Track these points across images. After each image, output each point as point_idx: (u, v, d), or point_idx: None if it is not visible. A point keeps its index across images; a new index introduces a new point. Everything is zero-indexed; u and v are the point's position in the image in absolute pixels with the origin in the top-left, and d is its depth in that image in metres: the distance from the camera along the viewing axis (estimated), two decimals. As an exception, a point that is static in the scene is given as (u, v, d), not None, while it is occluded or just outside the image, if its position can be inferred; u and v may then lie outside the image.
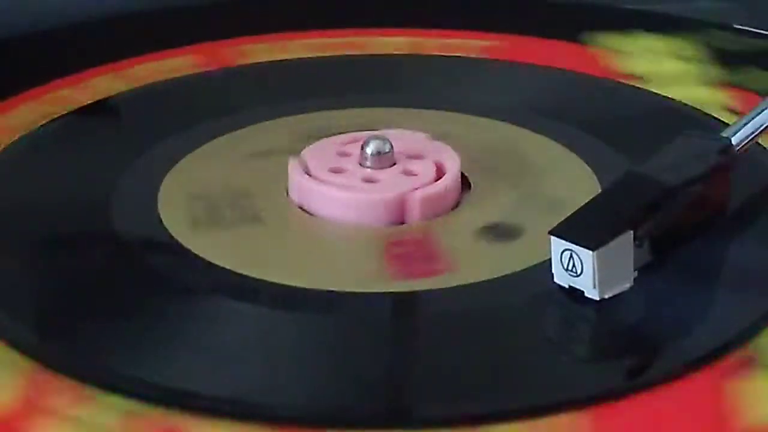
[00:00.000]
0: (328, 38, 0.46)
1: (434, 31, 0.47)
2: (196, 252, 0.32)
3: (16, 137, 0.38)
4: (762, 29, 0.45)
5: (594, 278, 0.29)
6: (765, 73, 0.42)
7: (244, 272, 0.31)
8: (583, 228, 0.30)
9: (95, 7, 0.47)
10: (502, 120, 0.39)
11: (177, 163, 0.37)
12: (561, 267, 0.29)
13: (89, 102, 0.41)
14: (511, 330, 0.29)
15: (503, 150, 0.37)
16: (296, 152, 0.35)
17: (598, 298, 0.29)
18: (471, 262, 0.31)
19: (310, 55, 0.45)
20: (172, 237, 0.32)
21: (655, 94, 0.41)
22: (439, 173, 0.34)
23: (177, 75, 0.43)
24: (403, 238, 0.33)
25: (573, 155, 0.37)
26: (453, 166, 0.35)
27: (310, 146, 0.35)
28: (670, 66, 0.43)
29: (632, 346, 0.28)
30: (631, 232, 0.30)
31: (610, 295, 0.29)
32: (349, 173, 0.34)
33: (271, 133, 0.38)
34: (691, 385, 0.27)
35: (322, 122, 0.39)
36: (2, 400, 0.26)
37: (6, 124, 0.39)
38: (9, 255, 0.32)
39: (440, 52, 0.45)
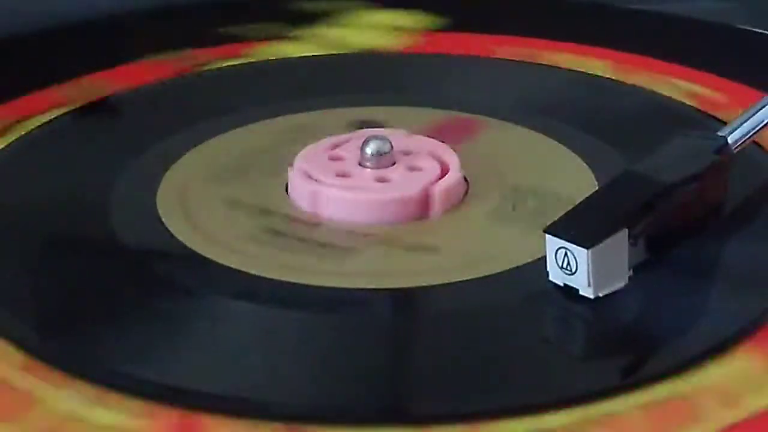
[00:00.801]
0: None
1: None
2: (197, 251, 0.32)
3: (16, 137, 0.38)
4: (762, 29, 0.45)
5: (588, 276, 0.29)
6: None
7: (244, 271, 0.31)
8: (578, 226, 0.30)
9: (95, 7, 0.47)
10: (501, 119, 0.39)
11: (176, 162, 0.37)
12: (556, 265, 0.29)
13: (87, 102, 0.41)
14: (505, 328, 0.29)
15: (501, 148, 0.37)
16: (295, 151, 0.35)
17: (592, 297, 0.29)
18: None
19: (310, 55, 0.45)
20: (172, 236, 0.33)
21: (654, 93, 0.41)
22: (443, 167, 0.34)
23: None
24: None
25: (571, 153, 0.37)
26: (452, 159, 0.35)
27: (301, 153, 0.35)
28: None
29: (626, 345, 0.28)
30: (626, 230, 0.30)
31: (605, 293, 0.29)
32: (356, 175, 0.34)
33: (271, 133, 0.38)
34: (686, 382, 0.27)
35: (322, 122, 0.39)
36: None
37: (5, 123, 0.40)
38: (7, 255, 0.32)
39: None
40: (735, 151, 0.33)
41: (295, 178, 0.34)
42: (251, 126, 0.39)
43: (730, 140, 0.33)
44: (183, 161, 0.37)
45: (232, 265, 0.31)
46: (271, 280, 0.31)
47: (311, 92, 0.42)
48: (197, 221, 0.33)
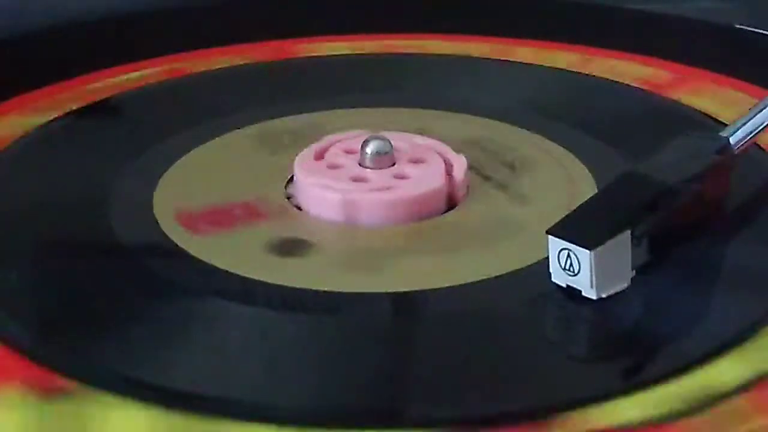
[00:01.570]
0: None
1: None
2: (193, 253, 0.32)
3: (15, 138, 0.38)
4: (762, 29, 0.45)
5: (591, 278, 0.29)
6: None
7: (240, 273, 0.31)
8: (580, 227, 0.30)
9: (95, 7, 0.47)
10: (501, 120, 0.39)
11: (175, 163, 0.37)
12: (558, 266, 0.29)
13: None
14: (508, 329, 0.29)
15: (500, 148, 0.37)
16: (298, 151, 0.35)
17: (595, 298, 0.29)
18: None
19: (310, 55, 0.45)
20: (168, 238, 0.32)
21: (655, 94, 0.41)
22: (447, 163, 0.35)
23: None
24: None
25: (571, 155, 0.37)
26: (453, 154, 0.35)
27: (300, 162, 0.35)
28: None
29: (629, 346, 0.28)
30: (629, 231, 0.29)
31: (608, 294, 0.29)
32: (376, 177, 0.34)
33: (271, 133, 0.38)
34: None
35: (322, 121, 0.39)
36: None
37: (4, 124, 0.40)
38: (7, 255, 0.32)
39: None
40: (736, 152, 0.33)
41: (315, 186, 0.34)
42: (251, 127, 0.39)
43: (731, 141, 0.33)
44: (182, 162, 0.37)
45: (230, 268, 0.31)
46: (270, 282, 0.30)
47: (312, 93, 0.42)
48: (196, 223, 0.33)
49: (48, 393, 0.27)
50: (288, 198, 0.35)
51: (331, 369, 0.28)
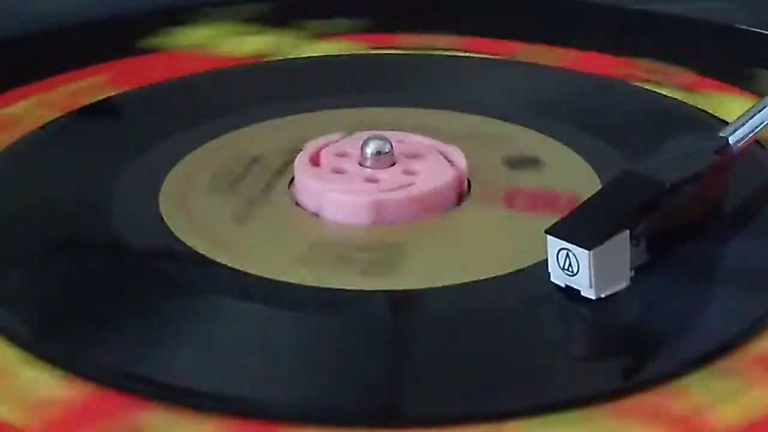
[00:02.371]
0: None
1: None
2: (199, 252, 0.32)
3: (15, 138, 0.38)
4: (762, 29, 0.45)
5: (590, 277, 0.29)
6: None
7: (246, 271, 0.31)
8: (579, 227, 0.30)
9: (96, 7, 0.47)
10: (502, 119, 0.39)
11: (178, 162, 0.37)
12: (557, 266, 0.29)
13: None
14: (506, 329, 0.29)
15: (500, 148, 0.37)
16: (296, 151, 0.35)
17: (594, 298, 0.29)
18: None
19: (310, 55, 0.45)
20: (174, 236, 0.33)
21: (655, 93, 0.41)
22: (444, 155, 0.35)
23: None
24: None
25: (573, 154, 0.37)
26: (453, 151, 0.35)
27: (304, 171, 0.35)
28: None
29: (628, 346, 0.28)
30: (628, 231, 0.30)
31: (607, 294, 0.29)
32: (387, 175, 0.34)
33: (272, 133, 0.38)
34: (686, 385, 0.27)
35: (322, 121, 0.39)
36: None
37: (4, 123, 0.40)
38: (8, 254, 0.32)
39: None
40: (736, 151, 0.33)
41: (328, 191, 0.34)
42: (253, 126, 0.39)
43: (731, 140, 0.33)
44: (185, 162, 0.37)
45: (233, 266, 0.31)
46: (272, 280, 0.30)
47: (312, 92, 0.42)
48: (199, 222, 0.33)
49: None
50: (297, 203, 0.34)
51: (331, 367, 0.28)
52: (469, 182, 0.35)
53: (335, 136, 0.36)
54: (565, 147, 0.37)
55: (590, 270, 0.29)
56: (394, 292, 0.30)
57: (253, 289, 0.30)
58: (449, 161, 0.35)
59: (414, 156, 0.35)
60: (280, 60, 0.44)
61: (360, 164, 0.34)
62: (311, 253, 0.32)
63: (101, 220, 0.33)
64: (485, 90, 0.42)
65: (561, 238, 0.29)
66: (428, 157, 0.35)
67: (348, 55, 0.45)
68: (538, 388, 0.27)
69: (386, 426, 0.26)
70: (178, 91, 0.42)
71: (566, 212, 0.30)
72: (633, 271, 0.30)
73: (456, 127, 0.38)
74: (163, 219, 0.33)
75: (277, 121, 0.39)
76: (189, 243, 0.32)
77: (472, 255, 0.32)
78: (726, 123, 0.35)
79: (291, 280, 0.30)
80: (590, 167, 0.36)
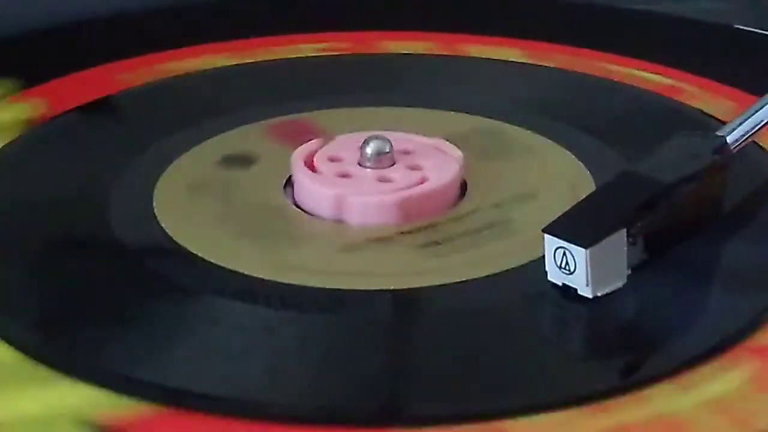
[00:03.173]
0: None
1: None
2: (194, 252, 0.32)
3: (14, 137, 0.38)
4: (762, 29, 0.45)
5: (587, 276, 0.29)
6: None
7: (242, 271, 0.31)
8: (576, 226, 0.30)
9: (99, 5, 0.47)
10: (499, 119, 0.39)
11: (174, 162, 0.37)
12: (554, 265, 0.29)
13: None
14: (504, 328, 0.29)
15: (499, 147, 0.37)
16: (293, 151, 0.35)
17: (591, 296, 0.29)
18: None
19: (310, 55, 0.45)
20: (169, 237, 0.33)
21: (654, 93, 0.41)
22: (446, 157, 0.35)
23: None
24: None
25: (570, 154, 0.37)
26: (451, 148, 0.35)
27: (308, 177, 0.34)
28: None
29: (625, 345, 0.28)
30: (625, 230, 0.30)
31: (603, 293, 0.29)
32: (398, 174, 0.34)
33: (271, 133, 0.38)
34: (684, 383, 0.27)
35: (322, 121, 0.39)
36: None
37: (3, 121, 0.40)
38: (5, 254, 0.32)
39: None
40: (734, 151, 0.33)
41: (349, 195, 0.33)
42: (250, 126, 0.39)
43: (729, 140, 0.33)
44: (181, 161, 0.37)
45: (229, 266, 0.31)
46: (270, 280, 0.31)
47: (311, 92, 0.42)
48: (195, 221, 0.33)
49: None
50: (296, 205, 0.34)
51: (330, 367, 0.28)
52: (467, 182, 0.35)
53: (317, 141, 0.36)
54: (561, 147, 0.37)
55: (587, 269, 0.29)
56: (392, 291, 0.30)
57: (252, 290, 0.30)
58: (443, 153, 0.35)
59: (406, 153, 0.35)
60: (278, 60, 0.44)
61: (360, 165, 0.34)
62: (310, 253, 0.32)
63: (95, 220, 0.33)
64: (482, 91, 0.42)
65: (558, 237, 0.29)
66: (422, 152, 0.35)
67: (347, 55, 0.45)
68: (534, 387, 0.27)
69: (383, 426, 0.26)
70: (174, 91, 0.42)
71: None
72: (630, 270, 0.30)
73: (455, 125, 0.38)
74: (157, 219, 0.33)
75: (274, 121, 0.39)
76: (185, 243, 0.32)
77: (476, 252, 0.32)
78: (724, 123, 0.35)
79: (291, 280, 0.30)
80: (585, 167, 0.36)
